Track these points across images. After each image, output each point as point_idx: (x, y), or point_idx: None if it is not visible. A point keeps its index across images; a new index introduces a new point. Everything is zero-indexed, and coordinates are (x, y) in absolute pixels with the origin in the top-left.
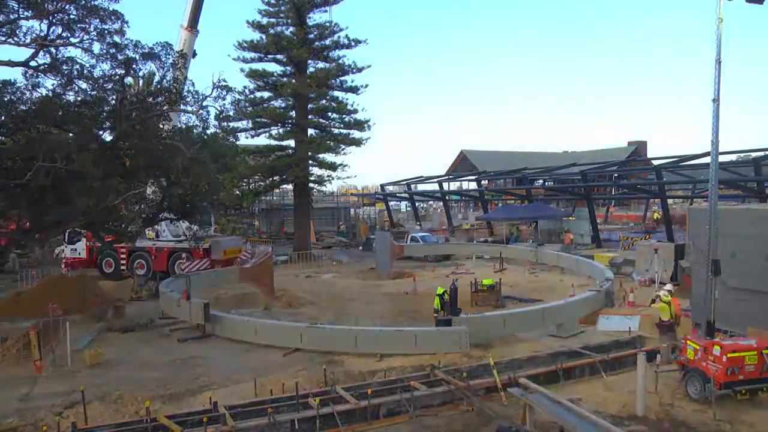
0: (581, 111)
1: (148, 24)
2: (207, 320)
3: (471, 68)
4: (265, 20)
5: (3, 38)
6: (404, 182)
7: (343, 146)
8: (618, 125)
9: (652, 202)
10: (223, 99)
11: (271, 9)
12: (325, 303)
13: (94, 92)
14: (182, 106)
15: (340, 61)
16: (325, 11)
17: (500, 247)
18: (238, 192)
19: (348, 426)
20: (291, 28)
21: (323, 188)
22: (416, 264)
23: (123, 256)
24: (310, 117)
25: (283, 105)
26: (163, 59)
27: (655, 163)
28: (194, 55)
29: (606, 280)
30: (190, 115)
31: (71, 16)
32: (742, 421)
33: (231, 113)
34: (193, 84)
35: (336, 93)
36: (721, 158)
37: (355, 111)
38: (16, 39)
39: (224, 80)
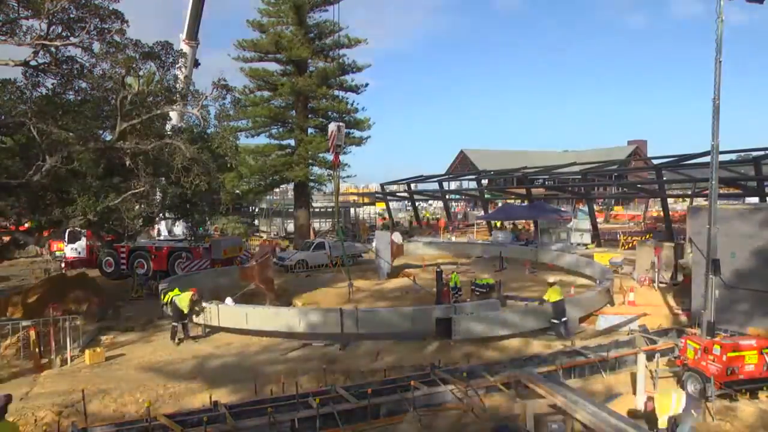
0: (581, 111)
1: (148, 24)
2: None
3: (471, 68)
4: (265, 20)
5: (3, 38)
6: (404, 181)
7: (343, 145)
8: (618, 125)
9: (652, 201)
10: (224, 98)
11: (271, 8)
12: (325, 302)
13: (94, 92)
14: (182, 106)
15: (340, 61)
16: (326, 11)
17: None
18: (238, 192)
19: (348, 425)
20: (291, 28)
21: (323, 188)
22: (416, 263)
23: (123, 255)
24: (310, 116)
25: (283, 104)
26: (163, 59)
27: (655, 162)
28: (197, 65)
29: (606, 280)
30: (191, 114)
31: (71, 16)
32: (742, 421)
33: (231, 113)
34: (193, 84)
35: (336, 92)
36: (721, 157)
37: (355, 110)
38: (16, 38)
39: (224, 80)
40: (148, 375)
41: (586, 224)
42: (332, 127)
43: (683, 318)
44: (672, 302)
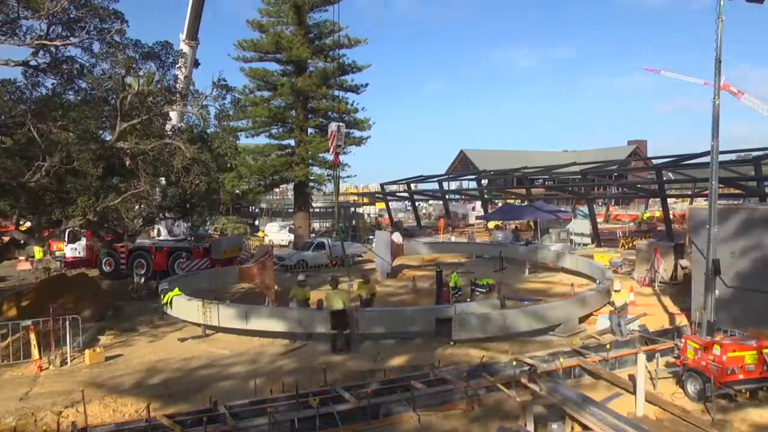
0: (581, 110)
1: (148, 24)
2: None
3: (471, 68)
4: (265, 20)
5: (3, 38)
6: (404, 181)
7: (343, 145)
8: (618, 125)
9: (652, 201)
10: (223, 98)
11: (271, 8)
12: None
13: (95, 92)
14: (182, 106)
15: (340, 61)
16: (326, 11)
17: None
18: (238, 192)
19: (348, 425)
20: (291, 28)
21: (323, 188)
22: (416, 263)
23: (123, 255)
24: (310, 116)
25: (283, 104)
26: (163, 59)
27: (655, 162)
28: (197, 64)
29: (606, 280)
30: (191, 114)
31: (71, 16)
32: (741, 420)
33: (231, 113)
34: (193, 84)
35: (336, 92)
36: (721, 157)
37: (356, 110)
38: (16, 39)
39: (224, 80)
40: (147, 375)
41: (586, 224)
42: (332, 127)
43: (683, 318)
44: (672, 302)
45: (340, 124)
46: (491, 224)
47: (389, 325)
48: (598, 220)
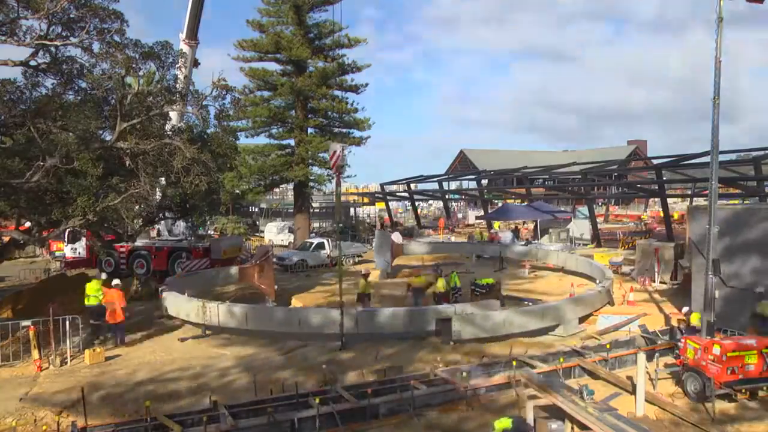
0: (581, 111)
1: (148, 24)
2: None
3: (470, 68)
4: (265, 20)
5: (3, 38)
6: (404, 181)
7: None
8: (618, 125)
9: (652, 201)
10: (223, 98)
11: (271, 8)
12: (326, 303)
13: (94, 92)
14: (182, 106)
15: (340, 60)
16: (326, 11)
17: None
18: (238, 192)
19: (348, 425)
20: (291, 28)
21: (323, 188)
22: (415, 264)
23: (123, 255)
24: (309, 116)
25: (282, 104)
26: (162, 59)
27: (655, 162)
28: (197, 64)
29: (606, 280)
30: (191, 114)
31: (71, 16)
32: (741, 420)
33: (231, 113)
34: (193, 84)
35: (336, 92)
36: (721, 157)
37: (355, 110)
38: (16, 38)
39: (224, 80)
40: (148, 374)
41: (585, 224)
42: (336, 147)
43: (683, 318)
44: (672, 302)
45: (344, 145)
46: (495, 225)
47: (389, 324)
48: (598, 220)
